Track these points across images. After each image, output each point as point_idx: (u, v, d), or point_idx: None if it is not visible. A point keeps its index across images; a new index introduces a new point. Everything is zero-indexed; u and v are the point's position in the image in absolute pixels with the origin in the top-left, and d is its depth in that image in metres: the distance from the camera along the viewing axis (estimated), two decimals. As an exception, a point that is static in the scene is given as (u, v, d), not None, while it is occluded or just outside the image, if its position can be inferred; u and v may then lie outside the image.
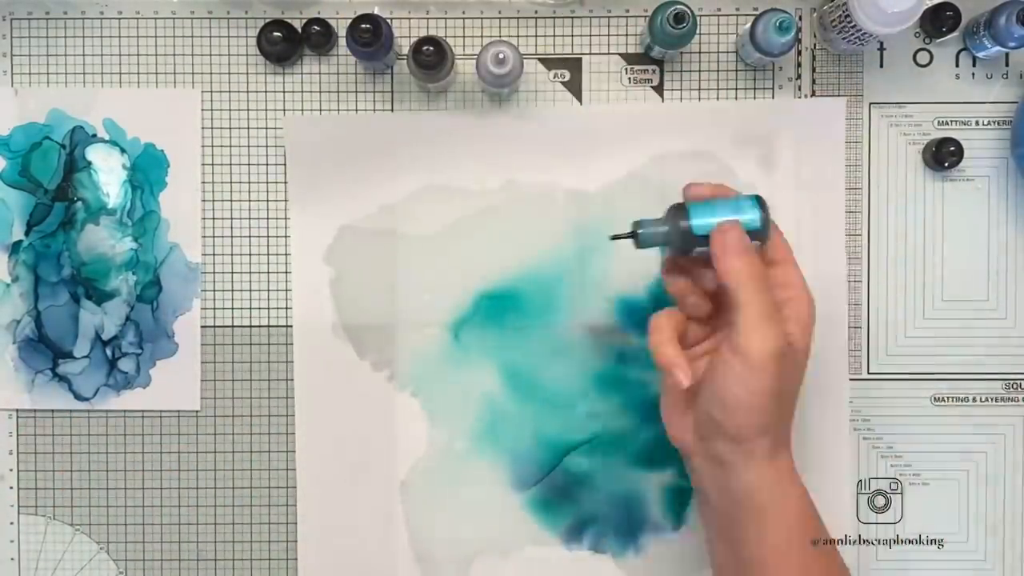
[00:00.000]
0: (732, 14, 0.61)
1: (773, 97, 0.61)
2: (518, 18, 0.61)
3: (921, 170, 0.61)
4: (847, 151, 0.61)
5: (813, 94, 0.61)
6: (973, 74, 0.61)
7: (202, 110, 0.61)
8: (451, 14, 0.61)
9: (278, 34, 0.59)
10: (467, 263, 0.61)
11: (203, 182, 0.61)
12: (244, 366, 0.62)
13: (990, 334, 0.61)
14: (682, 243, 0.50)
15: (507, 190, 0.61)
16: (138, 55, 0.61)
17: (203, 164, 0.61)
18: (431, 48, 0.55)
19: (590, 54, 0.61)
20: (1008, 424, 0.62)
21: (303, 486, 0.61)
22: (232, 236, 0.61)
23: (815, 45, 0.61)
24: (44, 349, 0.61)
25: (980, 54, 0.60)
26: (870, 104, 0.61)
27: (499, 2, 0.61)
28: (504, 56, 0.55)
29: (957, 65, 0.61)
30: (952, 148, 0.60)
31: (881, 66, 0.61)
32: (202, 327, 0.61)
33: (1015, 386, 0.61)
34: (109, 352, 0.61)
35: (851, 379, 0.61)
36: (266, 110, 0.61)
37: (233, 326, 0.61)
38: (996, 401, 0.61)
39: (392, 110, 0.61)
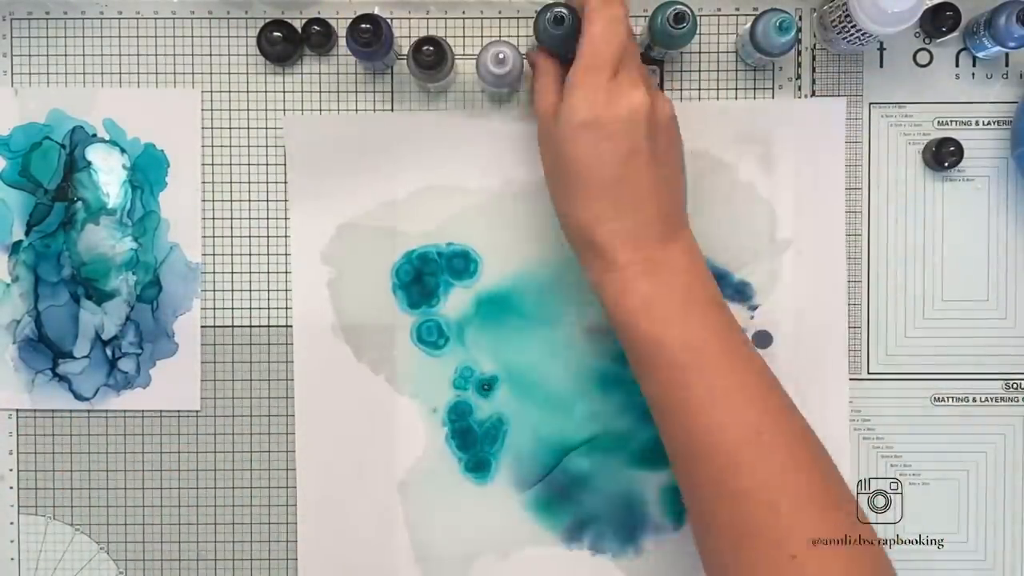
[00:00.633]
0: (732, 14, 0.61)
1: (773, 97, 0.61)
2: (518, 18, 0.61)
3: (921, 170, 0.61)
4: (847, 151, 0.61)
5: (813, 94, 0.61)
6: (973, 74, 0.61)
7: (202, 110, 0.61)
8: (451, 14, 0.61)
9: (278, 34, 0.59)
10: (467, 263, 0.61)
11: (203, 182, 0.61)
12: (244, 366, 0.62)
13: (990, 334, 0.61)
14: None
15: (507, 189, 0.61)
16: (138, 55, 0.61)
17: (203, 164, 0.61)
18: (431, 48, 0.55)
19: (590, 54, 0.61)
20: (1008, 424, 0.62)
21: (303, 486, 0.61)
22: (232, 236, 0.61)
23: (815, 45, 0.61)
24: (44, 349, 0.61)
25: (980, 54, 0.60)
26: (870, 104, 0.61)
27: (499, 2, 0.61)
28: (504, 56, 0.55)
29: (957, 65, 0.61)
30: (952, 148, 0.60)
31: (881, 66, 0.61)
32: (202, 327, 0.61)
33: (1015, 386, 0.61)
34: (109, 352, 0.61)
35: (851, 379, 0.61)
36: (266, 110, 0.61)
37: (233, 326, 0.61)
38: (996, 401, 0.61)
39: (392, 110, 0.61)
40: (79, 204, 0.61)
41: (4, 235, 0.61)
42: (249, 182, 0.61)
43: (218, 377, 0.61)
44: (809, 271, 0.61)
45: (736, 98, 0.61)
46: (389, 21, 0.58)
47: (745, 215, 0.61)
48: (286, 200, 0.61)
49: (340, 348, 0.61)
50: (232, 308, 0.61)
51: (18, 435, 0.62)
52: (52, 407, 0.61)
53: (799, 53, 0.61)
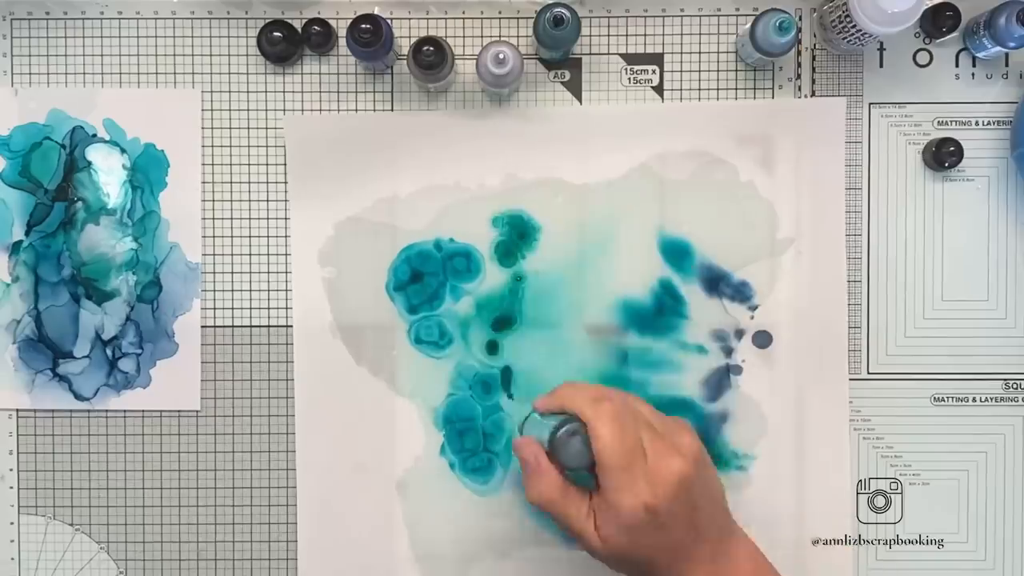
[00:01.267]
0: (732, 14, 0.61)
1: (773, 97, 0.61)
2: (518, 18, 0.61)
3: (921, 170, 0.61)
4: (847, 151, 0.61)
5: (813, 94, 0.61)
6: (973, 74, 0.61)
7: (202, 110, 0.61)
8: (451, 14, 0.61)
9: (278, 34, 0.59)
10: (467, 263, 0.61)
11: (203, 182, 0.61)
12: (244, 366, 0.62)
13: (990, 334, 0.61)
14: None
15: (507, 189, 0.61)
16: (138, 55, 0.61)
17: (203, 164, 0.61)
18: (431, 48, 0.55)
19: (590, 54, 0.61)
20: (1008, 424, 0.62)
21: (303, 486, 0.61)
22: (232, 236, 0.61)
23: (815, 45, 0.61)
24: (44, 349, 0.61)
25: (980, 54, 0.60)
26: (870, 104, 0.61)
27: (499, 2, 0.61)
28: (504, 56, 0.55)
29: (957, 65, 0.61)
30: (952, 148, 0.60)
31: (881, 66, 0.61)
32: (202, 327, 0.61)
33: (1015, 386, 0.61)
34: (109, 352, 0.61)
35: (851, 379, 0.61)
36: (266, 110, 0.61)
37: (233, 326, 0.61)
38: (996, 401, 0.61)
39: (392, 110, 0.61)
40: (79, 204, 0.61)
41: (4, 235, 0.61)
42: (249, 182, 0.61)
43: (218, 377, 0.61)
44: (809, 271, 0.61)
45: (736, 98, 0.61)
46: (389, 21, 0.58)
47: (745, 215, 0.61)
48: (286, 200, 0.61)
49: (340, 348, 0.61)
50: (232, 308, 0.61)
51: (18, 435, 0.62)
52: (52, 407, 0.61)
53: (799, 53, 0.61)
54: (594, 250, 0.61)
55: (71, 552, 0.62)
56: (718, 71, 0.61)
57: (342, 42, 0.60)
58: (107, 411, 0.62)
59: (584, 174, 0.61)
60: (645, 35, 0.61)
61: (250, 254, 0.61)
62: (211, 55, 0.61)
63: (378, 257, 0.61)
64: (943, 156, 0.60)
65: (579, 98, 0.61)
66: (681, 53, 0.61)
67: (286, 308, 0.61)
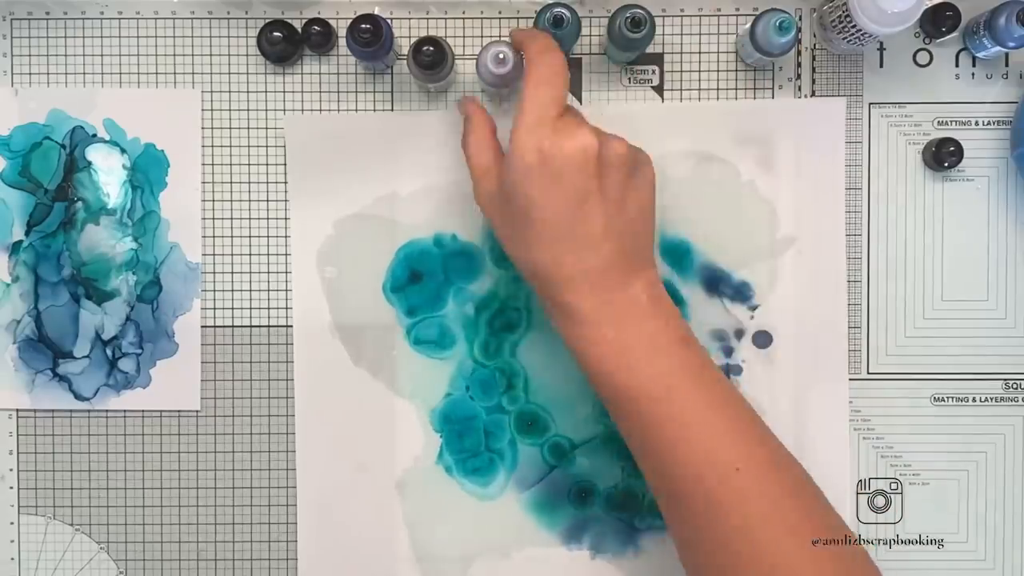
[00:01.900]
0: (732, 14, 0.61)
1: (773, 97, 0.61)
2: (518, 18, 0.61)
3: (921, 170, 0.61)
4: (847, 151, 0.61)
5: (813, 94, 0.61)
6: (973, 74, 0.61)
7: (202, 110, 0.61)
8: (451, 14, 0.61)
9: (278, 34, 0.59)
10: (466, 263, 0.61)
11: (203, 182, 0.61)
12: (244, 366, 0.62)
13: (990, 334, 0.61)
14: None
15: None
16: (138, 55, 0.61)
17: (203, 164, 0.61)
18: (431, 48, 0.55)
19: (590, 54, 0.61)
20: (1008, 424, 0.62)
21: (303, 486, 0.61)
22: (232, 236, 0.61)
23: (815, 45, 0.61)
24: (44, 349, 0.61)
25: (980, 54, 0.60)
26: (870, 104, 0.61)
27: (499, 2, 0.61)
28: (504, 56, 0.55)
29: (957, 65, 0.61)
30: (952, 148, 0.60)
31: (881, 66, 0.61)
32: (202, 327, 0.61)
33: (1015, 386, 0.61)
34: (109, 352, 0.61)
35: (851, 379, 0.61)
36: (266, 110, 0.61)
37: (233, 326, 0.61)
38: (996, 401, 0.61)
39: (392, 110, 0.61)
40: (79, 204, 0.61)
41: (4, 235, 0.61)
42: (249, 182, 0.61)
43: (218, 377, 0.61)
44: (809, 271, 0.61)
45: (736, 98, 0.61)
46: (389, 21, 0.58)
47: (745, 215, 0.61)
48: (286, 200, 0.61)
49: (340, 348, 0.61)
50: (232, 308, 0.61)
51: (18, 435, 0.62)
52: (52, 407, 0.61)
53: (799, 53, 0.61)
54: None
55: (71, 552, 0.62)
56: (718, 71, 0.61)
57: (342, 42, 0.60)
58: (107, 411, 0.62)
59: (584, 174, 0.61)
60: (645, 35, 0.61)
61: (250, 254, 0.61)
62: (211, 55, 0.61)
63: (378, 256, 0.61)
64: (943, 156, 0.60)
65: (579, 98, 0.61)
66: (681, 53, 0.61)
67: (286, 308, 0.61)
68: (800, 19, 0.61)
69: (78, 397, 0.61)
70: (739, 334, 0.61)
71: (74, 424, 0.62)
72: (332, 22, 0.60)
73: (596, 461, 0.61)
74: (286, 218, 0.61)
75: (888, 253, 0.61)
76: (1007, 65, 0.61)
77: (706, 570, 0.50)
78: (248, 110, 0.61)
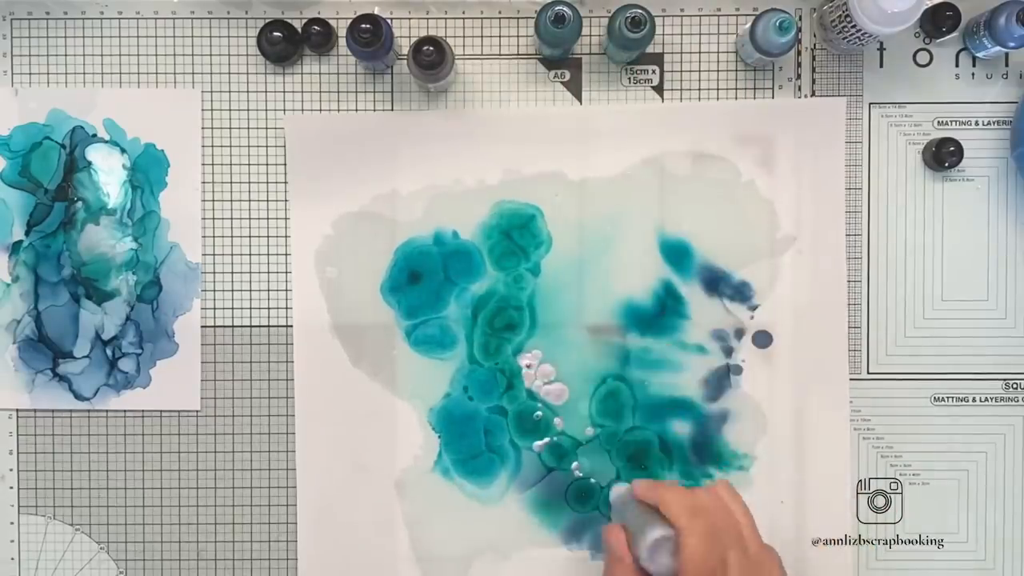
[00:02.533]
0: (732, 14, 0.61)
1: (773, 97, 0.61)
2: (518, 18, 0.61)
3: (921, 170, 0.61)
4: (847, 151, 0.61)
5: (813, 94, 0.61)
6: (973, 74, 0.61)
7: (202, 110, 0.61)
8: (451, 14, 0.61)
9: (278, 34, 0.59)
10: (466, 263, 0.61)
11: (203, 182, 0.61)
12: (244, 366, 0.62)
13: (990, 334, 0.61)
14: None
15: (507, 188, 0.61)
16: (138, 55, 0.61)
17: (203, 164, 0.61)
18: (431, 48, 0.55)
19: (590, 54, 0.61)
20: (1008, 424, 0.62)
21: (303, 486, 0.61)
22: (232, 236, 0.61)
23: (815, 45, 0.61)
24: (44, 349, 0.61)
25: (980, 54, 0.60)
26: (870, 104, 0.61)
27: (499, 2, 0.61)
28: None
29: (957, 65, 0.61)
30: (952, 148, 0.60)
31: (881, 66, 0.61)
32: (202, 327, 0.61)
33: (1015, 386, 0.61)
34: (109, 352, 0.61)
35: (851, 379, 0.61)
36: (266, 110, 0.61)
37: (233, 326, 0.61)
38: (996, 401, 0.61)
39: (392, 110, 0.61)
40: (79, 204, 0.61)
41: (4, 235, 0.61)
42: (249, 182, 0.61)
43: (218, 377, 0.61)
44: (809, 271, 0.61)
45: (736, 98, 0.61)
46: (389, 21, 0.58)
47: (745, 215, 0.61)
48: (286, 200, 0.61)
49: (339, 348, 0.61)
50: (232, 308, 0.61)
51: (18, 435, 0.62)
52: (52, 407, 0.61)
53: (799, 53, 0.61)
54: (595, 250, 0.61)
55: (71, 552, 0.62)
56: (718, 71, 0.61)
57: (342, 42, 0.60)
58: (107, 411, 0.62)
59: (584, 174, 0.61)
60: (645, 35, 0.61)
61: (250, 254, 0.61)
62: (211, 55, 0.61)
63: (378, 256, 0.61)
64: (943, 156, 0.60)
65: (579, 98, 0.61)
66: (681, 53, 0.61)
67: (286, 308, 0.61)
68: (800, 19, 0.61)
69: (78, 397, 0.61)
70: (739, 334, 0.61)
71: (74, 424, 0.62)
72: (332, 22, 0.60)
73: (596, 461, 0.61)
74: (286, 218, 0.61)
75: (888, 253, 0.61)
76: (1007, 65, 0.61)
77: None
78: (248, 110, 0.61)
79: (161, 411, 0.62)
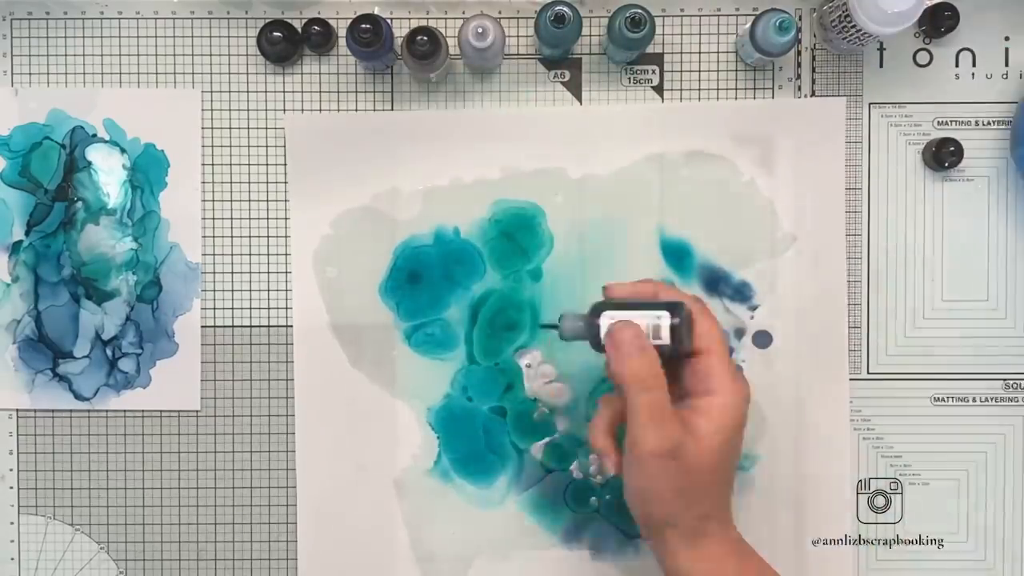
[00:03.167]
0: (732, 14, 0.61)
1: (773, 97, 0.61)
2: (518, 18, 0.61)
3: (921, 170, 0.61)
4: (847, 151, 0.61)
5: (813, 94, 0.61)
6: (973, 74, 0.61)
7: (202, 110, 0.61)
8: (451, 14, 0.61)
9: (278, 34, 0.59)
10: (466, 263, 0.61)
11: (203, 182, 0.61)
12: (244, 366, 0.62)
13: (990, 334, 0.61)
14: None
15: (506, 188, 0.61)
16: (138, 55, 0.61)
17: (203, 164, 0.61)
18: (424, 38, 0.55)
19: (590, 54, 0.61)
20: (1008, 424, 0.62)
21: (303, 486, 0.61)
22: (232, 236, 0.61)
23: (815, 45, 0.61)
24: (44, 349, 0.61)
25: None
26: (870, 104, 0.61)
27: (499, 2, 0.61)
28: (484, 29, 0.55)
29: (957, 65, 0.61)
30: (952, 148, 0.60)
31: (881, 66, 0.61)
32: (202, 327, 0.61)
33: (1015, 386, 0.61)
34: (109, 352, 0.61)
35: (851, 379, 0.61)
36: (266, 110, 0.61)
37: (233, 326, 0.61)
38: (996, 401, 0.61)
39: (392, 110, 0.61)
40: (79, 204, 0.61)
41: (4, 235, 0.61)
42: (249, 182, 0.61)
43: (218, 377, 0.61)
44: (809, 271, 0.61)
45: (736, 98, 0.61)
46: (389, 21, 0.58)
47: (745, 215, 0.61)
48: (286, 200, 0.61)
49: (339, 348, 0.61)
50: (232, 308, 0.61)
51: (18, 435, 0.62)
52: (52, 407, 0.61)
53: (799, 53, 0.61)
54: (595, 250, 0.61)
55: (71, 552, 0.62)
56: (718, 71, 0.61)
57: (342, 42, 0.60)
58: (107, 411, 0.62)
59: (584, 174, 0.61)
60: (645, 35, 0.61)
61: (250, 254, 0.61)
62: (211, 55, 0.61)
63: (377, 256, 0.61)
64: (943, 156, 0.60)
65: (579, 98, 0.61)
66: (681, 53, 0.61)
67: (286, 308, 0.61)
68: (800, 19, 0.61)
69: (78, 397, 0.61)
70: (739, 334, 0.61)
71: (74, 424, 0.62)
72: (332, 22, 0.60)
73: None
74: (286, 218, 0.61)
75: (888, 253, 0.61)
76: (1007, 65, 0.61)
77: None
78: (248, 110, 0.61)
79: (161, 411, 0.62)
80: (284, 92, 0.61)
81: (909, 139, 0.61)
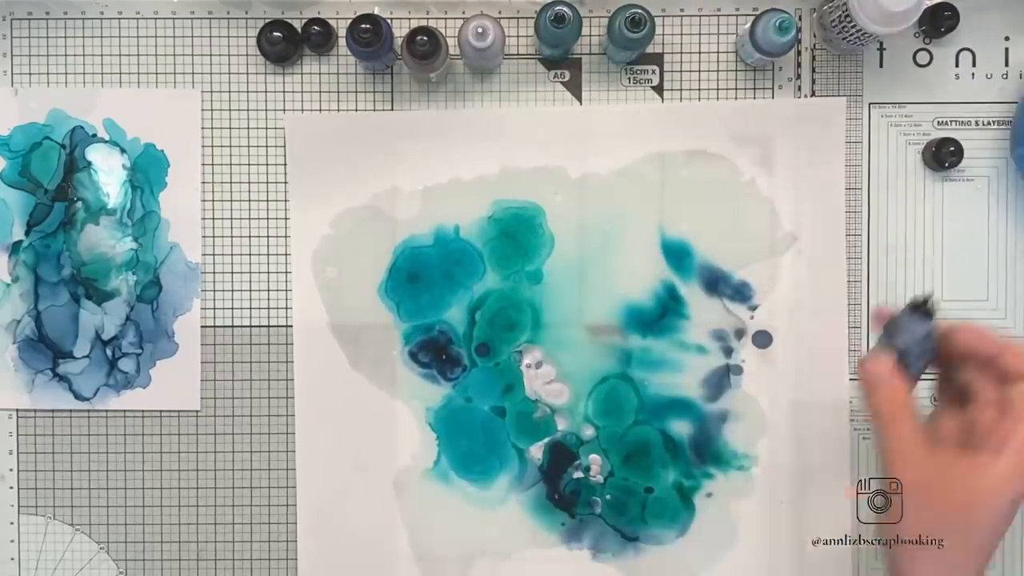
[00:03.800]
0: (732, 14, 0.61)
1: (773, 97, 0.61)
2: (518, 18, 0.61)
3: (921, 170, 0.61)
4: (847, 151, 0.61)
5: (813, 94, 0.61)
6: (973, 74, 0.61)
7: (202, 110, 0.61)
8: (451, 14, 0.61)
9: (278, 34, 0.59)
10: (466, 263, 0.61)
11: (203, 182, 0.61)
12: (244, 366, 0.62)
13: (990, 334, 0.61)
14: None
15: (506, 188, 0.61)
16: (138, 55, 0.61)
17: (203, 164, 0.61)
18: (424, 38, 0.55)
19: (590, 54, 0.61)
20: (1008, 424, 0.61)
21: (303, 486, 0.61)
22: (232, 236, 0.61)
23: (815, 45, 0.61)
24: (44, 349, 0.61)
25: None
26: (870, 104, 0.61)
27: (499, 2, 0.61)
28: (484, 30, 0.55)
29: (957, 65, 0.61)
30: (952, 148, 0.60)
31: (881, 66, 0.61)
32: (202, 327, 0.61)
33: (1015, 386, 0.61)
34: (109, 352, 0.61)
35: (851, 379, 0.61)
36: (266, 110, 0.61)
37: (233, 326, 0.61)
38: (996, 401, 0.61)
39: (392, 110, 0.61)
40: (79, 204, 0.61)
41: (4, 235, 0.61)
42: (249, 182, 0.61)
43: (218, 377, 0.61)
44: (809, 271, 0.61)
45: (736, 98, 0.61)
46: (389, 21, 0.58)
47: (745, 215, 0.61)
48: (286, 200, 0.61)
49: (339, 349, 0.61)
50: (232, 308, 0.61)
51: (18, 435, 0.62)
52: (52, 407, 0.61)
53: (799, 53, 0.61)
54: (596, 250, 0.61)
55: (71, 552, 0.62)
56: (718, 71, 0.61)
57: (342, 42, 0.60)
58: (107, 411, 0.62)
59: (584, 174, 0.61)
60: (645, 35, 0.61)
61: (250, 254, 0.61)
62: (211, 55, 0.61)
63: (377, 256, 0.61)
64: (943, 156, 0.60)
65: (579, 98, 0.61)
66: (681, 53, 0.61)
67: (286, 308, 0.61)
68: (800, 19, 0.61)
69: (78, 397, 0.61)
70: (739, 334, 0.61)
71: (74, 424, 0.62)
72: (332, 22, 0.60)
73: (596, 461, 0.61)
74: (286, 218, 0.61)
75: (888, 253, 0.61)
76: (1007, 65, 0.61)
77: None
78: (248, 110, 0.61)
79: (161, 411, 0.62)
80: (284, 92, 0.61)
81: (909, 139, 0.61)
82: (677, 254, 0.61)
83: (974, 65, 0.61)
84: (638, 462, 0.61)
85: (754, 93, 0.61)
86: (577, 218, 0.61)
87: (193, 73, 0.61)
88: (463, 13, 0.61)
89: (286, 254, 0.61)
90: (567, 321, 0.61)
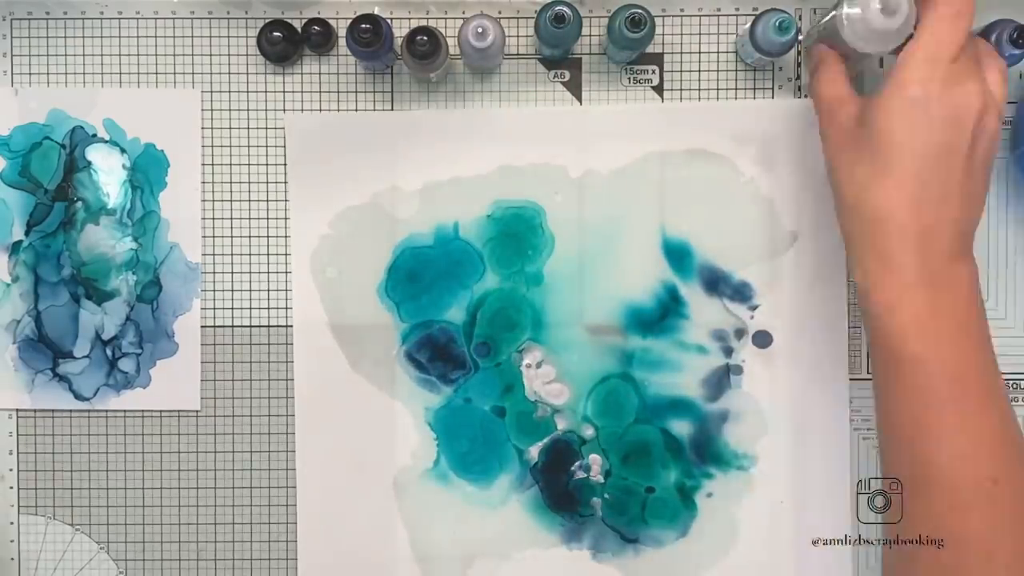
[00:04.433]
0: (732, 14, 0.61)
1: (773, 97, 0.61)
2: (518, 18, 0.61)
3: (921, 170, 0.61)
4: (847, 151, 0.61)
5: (813, 94, 0.61)
6: (973, 74, 0.61)
7: (202, 110, 0.61)
8: (451, 14, 0.61)
9: (278, 34, 0.59)
10: (466, 263, 0.61)
11: (203, 182, 0.61)
12: (244, 366, 0.62)
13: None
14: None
15: (506, 188, 0.61)
16: (138, 55, 0.61)
17: (203, 164, 0.61)
18: (424, 38, 0.55)
19: (590, 54, 0.61)
20: (1008, 424, 0.61)
21: (303, 486, 0.61)
22: (232, 236, 0.61)
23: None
24: (44, 349, 0.61)
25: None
26: (870, 104, 0.61)
27: (499, 2, 0.61)
28: (484, 29, 0.55)
29: (957, 65, 0.61)
30: (952, 148, 0.59)
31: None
32: (202, 327, 0.61)
33: (1015, 386, 0.61)
34: (109, 352, 0.61)
35: (851, 379, 0.61)
36: (266, 110, 0.61)
37: (233, 326, 0.61)
38: (996, 401, 0.61)
39: (392, 110, 0.61)
40: (79, 204, 0.61)
41: (4, 235, 0.61)
42: (249, 182, 0.61)
43: (218, 377, 0.61)
44: (809, 271, 0.61)
45: (736, 98, 0.61)
46: (389, 21, 0.58)
47: (745, 215, 0.61)
48: (286, 200, 0.61)
49: (339, 349, 0.61)
50: (232, 308, 0.61)
51: (18, 435, 0.62)
52: (52, 407, 0.61)
53: (799, 53, 0.61)
54: (596, 250, 0.61)
55: (71, 552, 0.62)
56: (718, 71, 0.61)
57: (342, 42, 0.60)
58: (107, 411, 0.62)
59: (584, 174, 0.61)
60: (645, 35, 0.61)
61: (250, 254, 0.61)
62: (211, 55, 0.61)
63: (377, 256, 0.61)
64: (943, 156, 0.60)
65: (579, 98, 0.61)
66: (681, 53, 0.61)
67: (286, 308, 0.61)
68: (800, 19, 0.61)
69: (78, 397, 0.61)
70: (739, 334, 0.61)
71: (74, 424, 0.62)
72: (332, 22, 0.60)
73: (596, 461, 0.61)
74: (286, 218, 0.61)
75: (888, 253, 0.61)
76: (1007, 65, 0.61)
77: (921, 572, 0.49)
78: (248, 110, 0.61)
79: (161, 411, 0.62)
80: (284, 92, 0.61)
81: (909, 139, 0.61)
82: (677, 254, 0.61)
83: (974, 65, 0.61)
84: (638, 462, 0.61)
85: (754, 93, 0.61)
86: (577, 218, 0.61)
87: (193, 73, 0.61)
88: (463, 13, 0.61)
89: (286, 254, 0.61)
90: (567, 321, 0.61)
